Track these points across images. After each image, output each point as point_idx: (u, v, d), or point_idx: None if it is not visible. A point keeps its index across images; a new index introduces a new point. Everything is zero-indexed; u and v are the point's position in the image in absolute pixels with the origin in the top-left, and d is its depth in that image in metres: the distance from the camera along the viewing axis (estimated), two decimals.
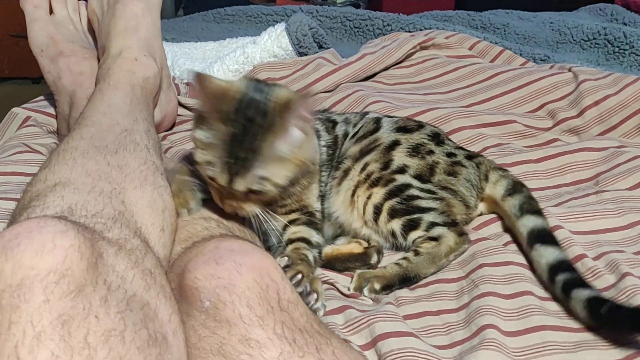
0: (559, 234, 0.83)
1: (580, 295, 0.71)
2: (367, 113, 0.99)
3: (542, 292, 0.76)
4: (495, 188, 0.91)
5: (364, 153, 0.89)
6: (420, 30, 1.57)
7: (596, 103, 1.15)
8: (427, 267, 0.82)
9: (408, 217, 0.84)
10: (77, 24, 1.18)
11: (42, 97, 1.23)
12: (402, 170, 0.87)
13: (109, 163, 0.72)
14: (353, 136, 0.93)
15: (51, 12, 1.15)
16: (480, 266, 0.80)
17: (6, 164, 0.97)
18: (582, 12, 1.89)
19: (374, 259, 0.85)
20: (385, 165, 0.87)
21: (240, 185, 0.72)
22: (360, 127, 0.94)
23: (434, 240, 0.83)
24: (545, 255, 0.78)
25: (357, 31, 1.72)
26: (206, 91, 0.72)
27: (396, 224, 0.84)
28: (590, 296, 0.70)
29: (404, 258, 0.82)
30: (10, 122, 1.14)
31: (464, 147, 0.99)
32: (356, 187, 0.87)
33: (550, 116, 1.18)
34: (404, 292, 0.79)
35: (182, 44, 1.54)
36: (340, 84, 1.27)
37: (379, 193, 0.85)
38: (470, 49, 1.44)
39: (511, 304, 0.74)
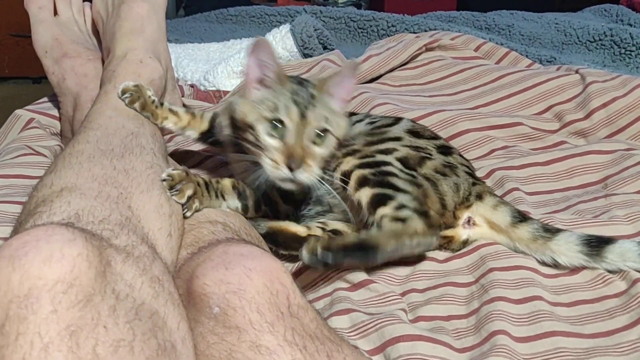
0: None
1: None
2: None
3: (552, 297, 0.75)
4: (497, 213, 0.84)
5: (367, 137, 0.88)
6: (425, 31, 1.57)
7: (604, 105, 1.15)
8: (388, 240, 0.75)
9: (379, 189, 0.79)
10: (82, 25, 1.18)
11: (45, 99, 1.22)
12: (387, 151, 0.84)
13: (115, 167, 0.72)
14: (370, 123, 0.93)
15: (56, 13, 1.15)
16: (490, 270, 0.79)
17: (10, 167, 0.97)
18: (587, 13, 1.88)
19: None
20: (372, 143, 0.86)
21: (313, 117, 0.77)
22: (379, 119, 0.93)
23: (400, 221, 0.77)
24: (629, 249, 0.76)
25: (361, 32, 1.71)
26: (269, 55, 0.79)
27: (364, 194, 0.79)
28: None
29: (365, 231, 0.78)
30: (13, 124, 1.13)
31: (473, 166, 0.94)
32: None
33: (557, 118, 1.17)
34: (415, 297, 0.78)
35: (186, 45, 1.53)
36: None
37: (350, 162, 0.82)
38: (476, 50, 1.43)
39: (521, 309, 0.73)
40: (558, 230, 0.81)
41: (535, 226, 0.82)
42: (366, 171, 0.81)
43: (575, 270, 0.79)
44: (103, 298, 0.48)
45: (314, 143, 0.78)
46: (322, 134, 0.78)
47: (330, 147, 0.80)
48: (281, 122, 0.77)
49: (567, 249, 0.79)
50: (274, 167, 0.76)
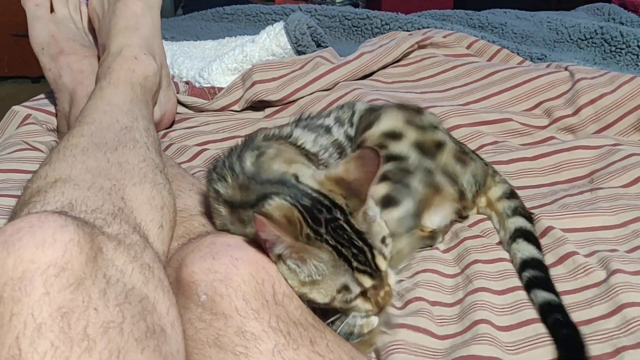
0: (553, 235, 0.84)
1: (537, 296, 0.73)
2: (353, 104, 0.94)
3: None
4: (495, 188, 0.91)
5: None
6: (419, 29, 1.58)
7: (592, 101, 1.16)
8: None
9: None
10: (78, 22, 1.20)
11: (42, 95, 1.24)
12: (397, 135, 0.82)
13: (109, 160, 0.74)
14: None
15: (52, 10, 1.16)
16: (475, 262, 0.81)
17: (6, 162, 0.99)
18: (579, 12, 1.89)
19: None
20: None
21: (381, 262, 0.61)
22: (360, 120, 0.90)
23: None
24: (523, 250, 0.80)
25: (356, 30, 1.73)
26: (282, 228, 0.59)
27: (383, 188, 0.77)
28: (543, 301, 0.72)
29: None
30: (10, 120, 1.16)
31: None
32: None
33: (546, 114, 1.19)
34: (403, 284, 0.80)
35: (182, 43, 1.55)
36: (338, 82, 1.28)
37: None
38: (468, 47, 1.45)
39: (504, 300, 0.75)
40: (514, 198, 0.90)
41: (506, 187, 0.91)
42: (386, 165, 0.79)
43: (558, 261, 0.81)
44: (94, 282, 0.50)
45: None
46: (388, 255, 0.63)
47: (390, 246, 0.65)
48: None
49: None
50: (367, 314, 0.63)
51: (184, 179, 0.86)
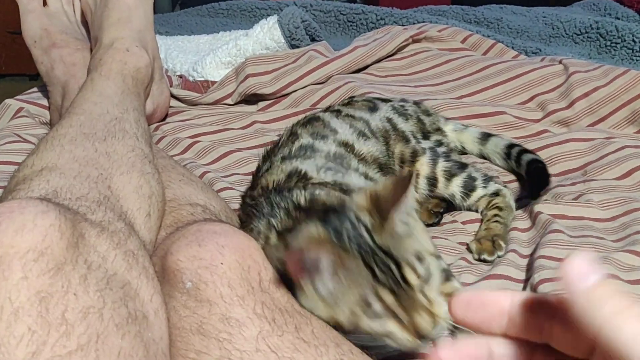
0: (540, 218, 0.84)
1: (525, 158, 0.96)
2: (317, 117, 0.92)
3: (519, 275, 0.78)
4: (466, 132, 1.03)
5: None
6: (414, 24, 1.58)
7: (586, 95, 1.16)
8: (510, 218, 0.87)
9: (463, 174, 0.89)
10: (71, 15, 1.19)
11: (35, 89, 1.24)
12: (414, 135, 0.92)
13: (97, 150, 0.73)
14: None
15: (45, 4, 1.16)
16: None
17: None
18: (576, 7, 1.89)
19: None
20: (405, 139, 0.91)
21: (412, 276, 0.56)
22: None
23: (496, 196, 0.89)
24: (503, 142, 0.98)
25: (351, 25, 1.72)
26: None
27: (456, 186, 0.88)
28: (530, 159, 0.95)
29: (496, 215, 0.87)
30: (2, 113, 1.15)
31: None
32: None
33: (540, 108, 1.19)
34: None
35: (176, 37, 1.54)
36: (332, 75, 1.28)
37: (423, 164, 0.87)
38: (463, 42, 1.44)
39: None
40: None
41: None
42: (441, 164, 0.89)
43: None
44: (74, 267, 0.50)
45: (424, 286, 0.57)
46: (424, 271, 0.57)
47: (436, 265, 0.59)
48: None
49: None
50: (408, 343, 0.56)
51: (174, 170, 0.85)
